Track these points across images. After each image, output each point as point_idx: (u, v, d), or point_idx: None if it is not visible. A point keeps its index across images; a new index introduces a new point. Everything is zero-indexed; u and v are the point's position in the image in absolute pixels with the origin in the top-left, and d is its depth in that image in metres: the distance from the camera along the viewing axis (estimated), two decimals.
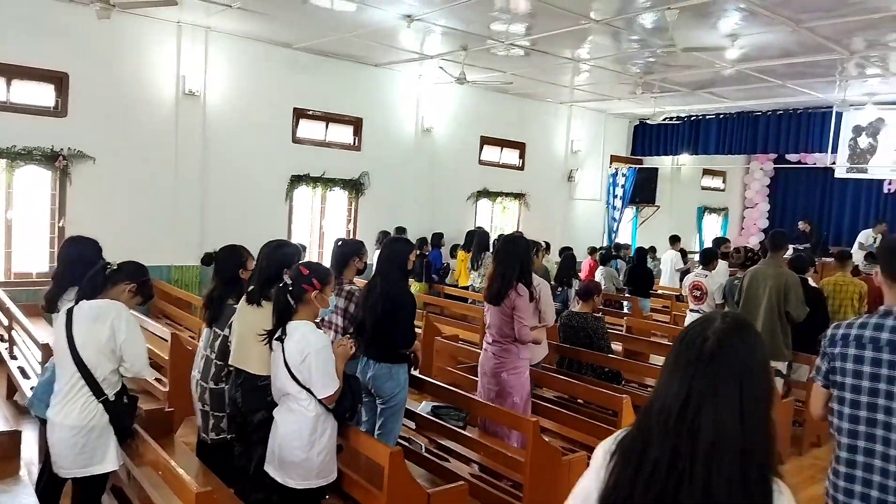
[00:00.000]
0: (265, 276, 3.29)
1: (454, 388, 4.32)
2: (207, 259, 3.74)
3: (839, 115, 10.35)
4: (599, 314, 5.81)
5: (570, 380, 4.85)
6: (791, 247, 12.48)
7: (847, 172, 11.06)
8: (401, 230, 9.20)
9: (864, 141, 10.50)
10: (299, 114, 9.13)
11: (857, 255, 10.64)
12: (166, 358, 5.04)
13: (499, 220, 11.84)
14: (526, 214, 11.97)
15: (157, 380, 5.26)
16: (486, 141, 11.40)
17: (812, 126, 11.14)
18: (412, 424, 4.39)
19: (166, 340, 5.10)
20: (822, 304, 5.97)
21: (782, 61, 8.12)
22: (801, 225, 13.42)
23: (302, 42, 8.59)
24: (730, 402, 1.29)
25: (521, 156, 11.98)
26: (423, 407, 4.58)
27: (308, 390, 2.85)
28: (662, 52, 6.94)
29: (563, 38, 7.61)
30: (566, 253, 8.83)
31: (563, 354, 5.59)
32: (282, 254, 3.43)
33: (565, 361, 5.62)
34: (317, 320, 3.05)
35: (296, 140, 9.13)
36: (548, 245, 9.92)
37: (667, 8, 6.02)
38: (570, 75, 9.93)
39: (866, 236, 11.23)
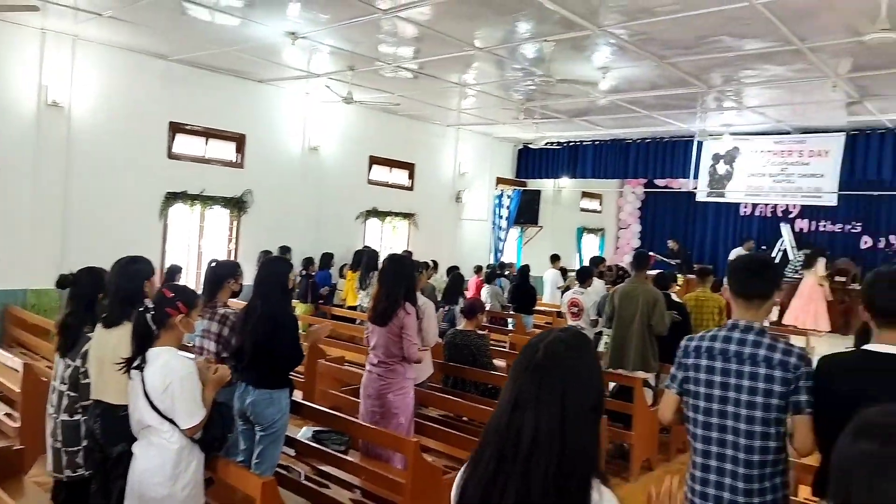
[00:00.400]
0: (122, 295, 3.09)
1: (336, 412, 4.23)
2: (63, 282, 3.45)
3: (700, 144, 11.27)
4: (484, 332, 5.94)
5: (453, 398, 4.90)
6: (666, 259, 13.48)
7: (707, 197, 12.03)
8: (285, 249, 8.97)
9: (722, 168, 11.48)
10: (176, 128, 8.70)
11: None
12: (17, 391, 4.59)
13: (388, 239, 11.84)
14: (415, 234, 12.06)
15: (8, 415, 4.78)
16: (375, 161, 11.40)
17: (676, 153, 12.07)
18: (292, 452, 4.25)
19: (18, 371, 4.64)
20: (686, 318, 6.43)
21: (649, 93, 8.76)
22: (670, 244, 14.47)
23: (179, 54, 8.23)
24: (552, 409, 1.36)
25: (411, 176, 12.09)
26: (304, 433, 4.45)
27: (170, 421, 2.68)
28: (541, 81, 7.28)
29: (450, 63, 7.80)
30: (453, 272, 8.98)
31: (447, 373, 5.64)
32: (135, 269, 3.24)
33: (450, 380, 5.68)
34: (191, 345, 2.89)
35: (172, 155, 8.68)
36: (436, 264, 10.05)
37: (544, 40, 6.33)
38: (457, 99, 10.18)
39: (736, 254, 12.21)
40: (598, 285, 7.78)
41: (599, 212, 16.83)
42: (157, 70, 8.41)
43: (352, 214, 11.03)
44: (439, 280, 9.64)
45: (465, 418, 5.15)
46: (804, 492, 3.34)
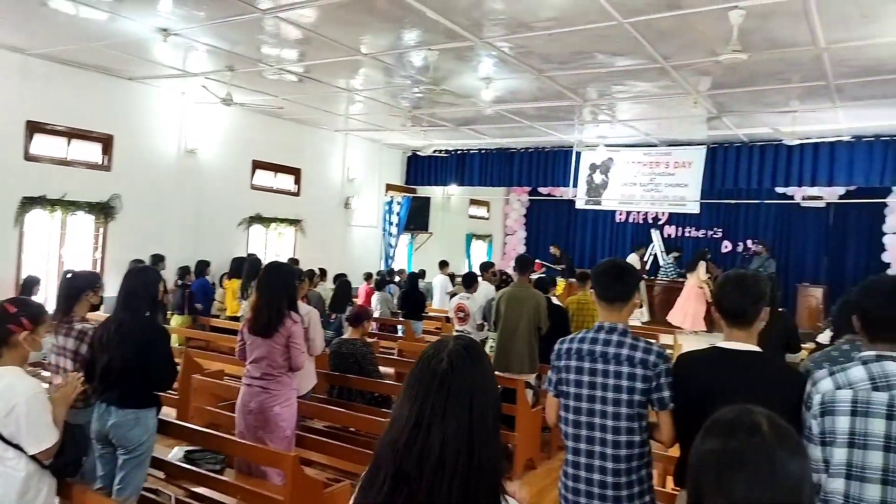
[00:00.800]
0: None
1: (210, 430, 4.02)
2: None
3: (578, 155, 11.84)
4: (374, 339, 5.88)
5: (338, 409, 4.81)
6: (551, 265, 13.99)
7: (586, 204, 12.65)
8: (158, 258, 8.44)
9: (598, 177, 12.11)
10: (34, 128, 7.97)
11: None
12: None
13: (274, 246, 11.48)
14: (302, 241, 11.77)
15: None
16: (258, 165, 11.03)
17: (557, 163, 12.61)
18: (161, 474, 3.99)
19: None
20: (565, 320, 6.70)
21: (530, 105, 9.08)
22: (553, 249, 15.08)
23: (39, 48, 7.55)
24: (459, 422, 1.32)
25: (297, 181, 11.80)
26: (175, 454, 4.19)
27: (16, 447, 2.43)
28: (426, 90, 7.36)
29: (336, 67, 7.69)
30: (341, 280, 8.84)
31: (332, 383, 5.54)
32: None
33: (335, 390, 5.58)
34: (46, 363, 2.63)
35: (29, 157, 7.94)
36: (323, 272, 9.86)
37: (428, 49, 6.40)
38: (344, 104, 10.07)
39: (634, 259, 12.85)
40: (484, 290, 7.94)
41: (487, 218, 17.24)
42: (13, 65, 7.67)
43: (234, 221, 10.59)
44: (327, 288, 9.46)
45: (352, 429, 5.06)
46: (671, 482, 3.55)
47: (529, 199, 17.14)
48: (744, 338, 2.43)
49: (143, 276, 3.71)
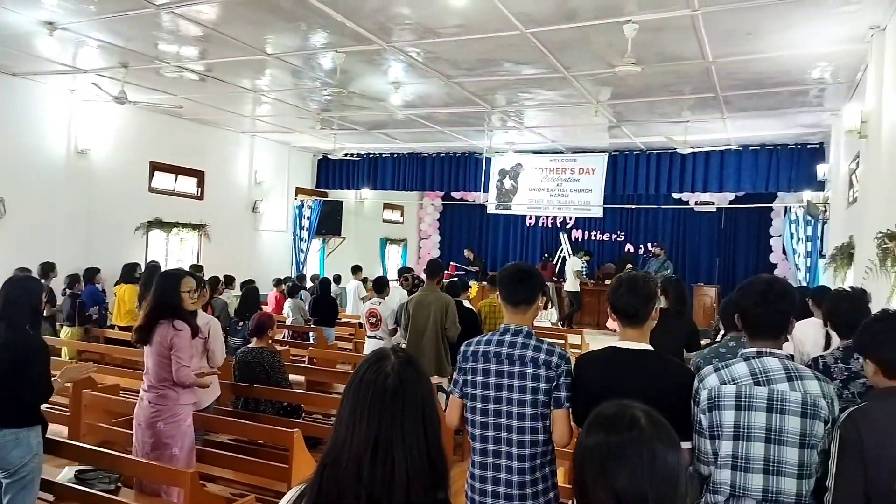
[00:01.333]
0: None
1: (103, 449, 3.78)
2: None
3: (488, 160, 12.06)
4: (285, 347, 5.71)
5: (243, 421, 4.64)
6: (466, 268, 14.15)
7: (496, 209, 12.89)
8: (48, 267, 7.86)
9: (508, 182, 12.38)
10: None
11: (572, 281, 12.47)
12: None
13: (176, 252, 10.97)
14: (207, 246, 11.32)
15: None
16: (157, 167, 10.51)
17: (468, 168, 12.80)
18: (51, 497, 3.71)
19: None
20: (476, 323, 6.78)
21: (441, 110, 9.16)
22: (466, 253, 15.27)
23: None
24: (416, 434, 1.29)
25: (200, 184, 11.33)
26: (65, 474, 3.91)
27: None
28: (334, 92, 7.28)
29: (239, 67, 7.45)
30: (248, 286, 8.55)
31: (238, 394, 5.34)
32: None
33: (241, 400, 5.38)
34: None
35: None
36: (229, 278, 9.52)
37: (335, 51, 6.32)
38: (250, 105, 9.78)
39: (576, 263, 13.09)
40: (397, 295, 7.91)
41: (401, 223, 17.22)
42: None
43: (131, 226, 10.04)
44: (233, 295, 9.14)
45: (260, 441, 4.89)
46: None
47: (443, 204, 17.29)
48: (637, 337, 2.54)
49: (24, 286, 3.46)
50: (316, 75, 7.53)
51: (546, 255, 15.09)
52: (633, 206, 14.32)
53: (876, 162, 5.23)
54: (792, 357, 2.40)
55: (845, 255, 6.39)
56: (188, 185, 11.16)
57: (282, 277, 10.97)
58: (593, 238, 16.08)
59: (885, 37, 5.17)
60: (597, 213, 12.04)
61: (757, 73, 6.59)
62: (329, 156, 12.89)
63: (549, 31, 5.54)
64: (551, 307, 11.24)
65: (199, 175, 11.28)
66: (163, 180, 10.68)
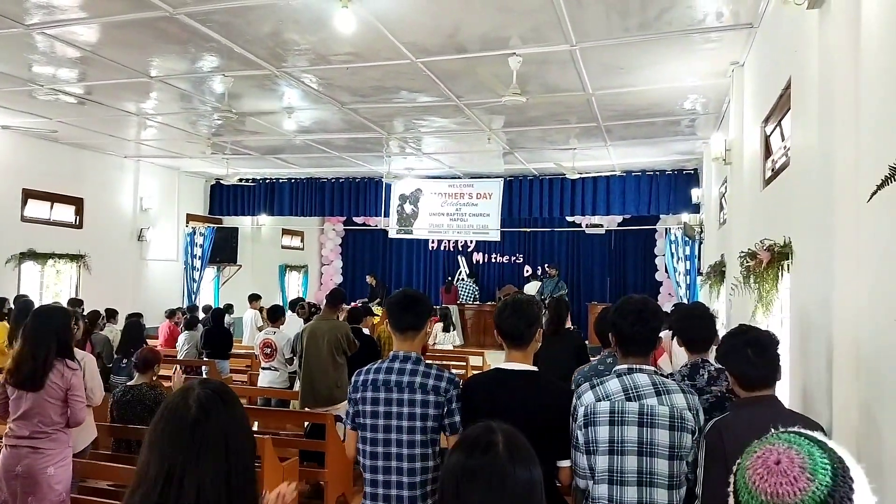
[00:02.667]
0: None
1: None
2: None
3: (388, 186, 12.11)
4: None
5: (120, 466, 4.33)
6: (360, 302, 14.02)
7: (397, 234, 12.94)
8: None
9: (408, 207, 12.47)
10: None
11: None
12: None
13: (53, 286, 10.19)
14: (88, 279, 10.58)
15: None
16: (30, 195, 9.76)
17: (369, 193, 12.80)
18: None
19: None
20: (375, 350, 6.72)
21: (337, 136, 9.13)
22: (368, 279, 15.17)
23: None
24: (216, 470, 1.28)
25: (79, 212, 10.62)
26: None
27: None
28: (222, 117, 7.09)
29: (122, 90, 7.12)
30: (130, 320, 8.06)
31: (114, 435, 4.99)
32: None
33: (122, 443, 5.03)
34: None
35: None
36: (112, 312, 8.93)
37: (223, 75, 6.17)
38: (135, 129, 9.32)
39: (533, 289, 13.15)
40: (295, 324, 7.72)
41: (301, 249, 16.86)
42: None
43: (1, 258, 9.24)
44: (116, 330, 8.57)
45: None
46: None
47: (345, 229, 17.12)
48: (520, 358, 2.62)
49: None
50: (205, 99, 7.31)
51: (449, 279, 15.27)
52: (529, 230, 14.81)
53: (739, 186, 5.71)
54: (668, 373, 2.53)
55: (718, 272, 6.90)
56: (65, 213, 10.43)
57: (174, 308, 10.41)
58: (493, 261, 16.45)
59: (743, 72, 5.69)
60: (495, 236, 12.36)
61: (632, 105, 7.05)
62: (222, 181, 12.47)
63: (438, 61, 5.68)
64: (453, 330, 11.34)
65: (77, 202, 10.58)
66: (37, 208, 9.93)
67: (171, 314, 10.11)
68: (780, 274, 3.66)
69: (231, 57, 5.74)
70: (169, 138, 9.69)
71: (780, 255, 3.58)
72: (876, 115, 2.44)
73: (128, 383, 5.21)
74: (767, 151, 4.62)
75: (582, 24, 4.82)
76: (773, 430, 1.10)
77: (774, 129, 4.35)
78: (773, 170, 4.38)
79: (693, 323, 3.15)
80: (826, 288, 2.72)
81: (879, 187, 1.65)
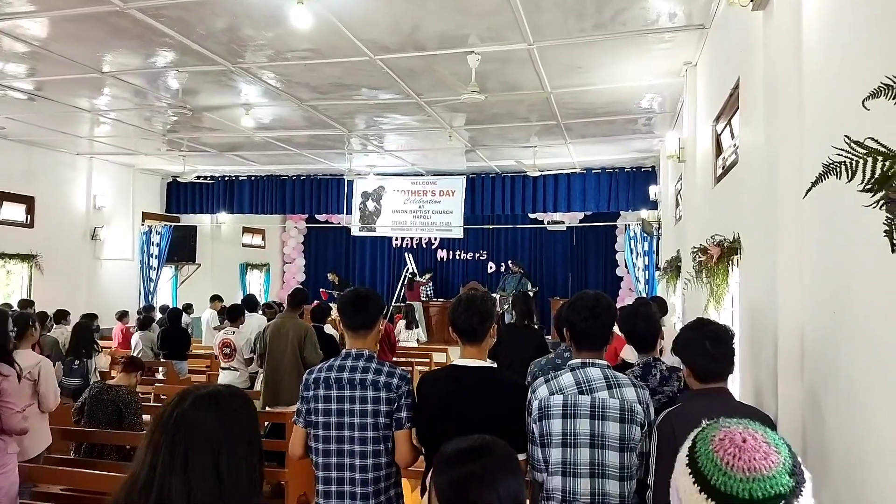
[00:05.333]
0: None
1: None
2: None
3: (350, 183, 12.03)
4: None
5: (73, 470, 4.22)
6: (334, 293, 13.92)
7: (360, 231, 12.87)
8: None
9: (371, 205, 12.41)
10: None
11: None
12: None
13: (2, 287, 9.85)
14: (39, 279, 10.26)
15: None
16: None
17: (331, 191, 12.70)
18: None
19: None
20: (337, 349, 6.68)
21: (298, 133, 9.03)
22: (330, 276, 15.07)
23: None
24: (203, 474, 1.24)
25: (30, 211, 10.29)
26: None
27: None
28: (177, 113, 6.95)
29: (73, 86, 6.93)
30: (79, 321, 7.83)
31: (71, 439, 4.87)
32: None
33: (84, 447, 4.91)
34: None
35: None
36: (62, 313, 8.67)
37: (177, 70, 6.05)
38: (88, 126, 9.07)
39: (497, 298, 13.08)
40: (255, 323, 7.61)
41: (263, 247, 16.64)
42: None
43: None
44: (67, 332, 8.32)
45: (97, 491, 4.47)
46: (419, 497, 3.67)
47: (307, 227, 16.95)
48: (475, 354, 2.63)
49: None
50: (160, 95, 7.15)
51: (413, 276, 15.24)
52: (493, 227, 14.89)
53: (692, 183, 5.84)
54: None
55: (674, 267, 7.05)
56: (15, 212, 10.09)
57: (125, 310, 10.17)
58: (457, 258, 16.50)
59: (696, 71, 5.82)
60: (458, 233, 12.38)
61: (590, 103, 7.14)
62: (179, 178, 12.21)
63: (398, 59, 5.66)
64: (416, 327, 11.33)
65: (28, 201, 10.25)
66: None
67: (121, 316, 9.89)
68: (730, 269, 3.76)
69: (185, 52, 5.63)
70: (123, 135, 9.45)
71: (729, 251, 3.67)
72: (817, 115, 2.52)
73: (107, 381, 5.10)
74: (718, 149, 4.74)
75: (539, 24, 4.87)
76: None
77: (725, 127, 4.47)
78: (723, 167, 4.50)
79: (635, 321, 3.15)
80: (771, 283, 2.80)
81: (814, 184, 1.70)
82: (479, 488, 1.31)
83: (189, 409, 1.29)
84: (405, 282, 15.00)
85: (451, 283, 16.07)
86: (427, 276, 14.63)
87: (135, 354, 8.50)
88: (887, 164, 1.46)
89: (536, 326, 5.82)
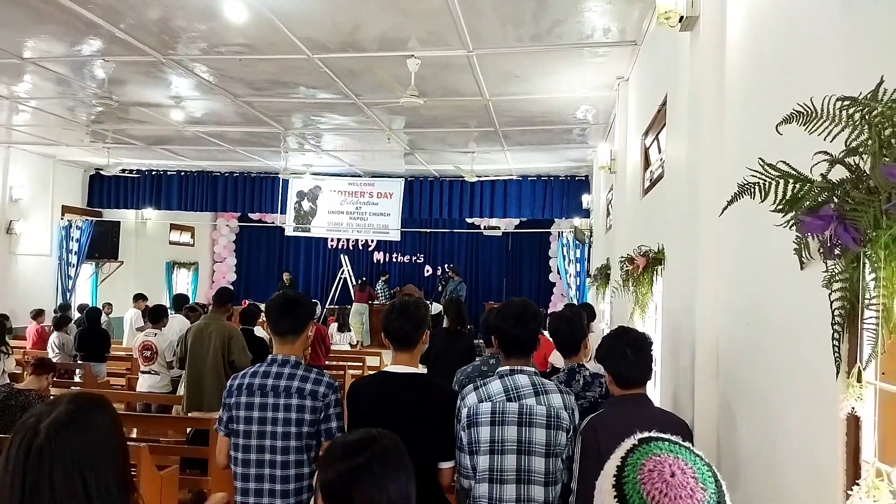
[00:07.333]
0: None
1: None
2: None
3: (285, 182, 11.80)
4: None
5: None
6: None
7: (294, 231, 12.64)
8: None
9: (306, 205, 12.21)
10: None
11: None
12: None
13: None
14: None
15: None
16: None
17: (265, 189, 12.42)
18: None
19: None
20: (266, 351, 6.51)
21: (231, 129, 8.78)
22: (286, 277, 14.85)
23: None
24: (71, 493, 1.19)
25: None
26: None
27: None
28: (101, 103, 6.63)
29: None
30: None
31: None
32: None
33: None
34: None
35: None
36: None
37: (103, 60, 5.79)
38: (5, 114, 8.54)
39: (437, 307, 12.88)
40: (178, 325, 7.33)
41: (192, 245, 16.09)
42: None
43: None
44: None
45: None
46: None
47: (239, 225, 16.50)
48: (407, 360, 2.63)
49: None
50: (85, 84, 6.81)
51: (363, 279, 14.96)
52: (430, 230, 14.91)
53: (622, 194, 6.02)
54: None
55: (603, 275, 7.25)
56: None
57: (40, 309, 9.63)
58: (395, 260, 16.43)
59: (628, 86, 6.01)
60: (395, 236, 12.34)
61: (527, 112, 7.26)
62: (103, 171, 11.66)
63: (336, 59, 5.59)
64: (348, 330, 11.21)
65: None
66: None
67: (36, 315, 9.36)
68: (654, 278, 3.90)
69: (113, 41, 5.38)
70: (44, 124, 8.94)
71: (654, 261, 3.81)
72: (736, 136, 2.65)
73: (15, 385, 4.78)
74: (647, 162, 4.91)
75: (478, 31, 4.91)
76: (637, 432, 1.14)
77: (653, 141, 4.63)
78: (650, 180, 4.66)
79: (560, 328, 3.24)
80: (690, 293, 2.91)
81: (729, 203, 1.78)
82: (366, 485, 1.28)
83: (46, 442, 1.21)
84: (355, 284, 14.82)
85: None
86: (383, 278, 14.56)
87: (51, 355, 8.08)
88: (797, 186, 1.54)
89: (469, 329, 5.86)
